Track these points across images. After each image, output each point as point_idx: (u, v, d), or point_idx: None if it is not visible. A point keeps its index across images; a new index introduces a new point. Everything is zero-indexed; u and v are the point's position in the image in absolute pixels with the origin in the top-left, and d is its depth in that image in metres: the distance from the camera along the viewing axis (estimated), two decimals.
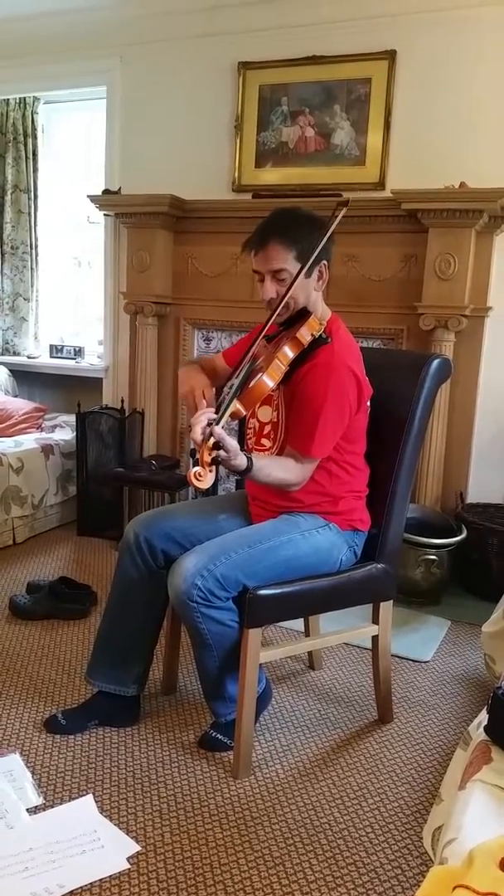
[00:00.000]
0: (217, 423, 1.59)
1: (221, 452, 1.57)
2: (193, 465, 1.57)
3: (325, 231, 1.78)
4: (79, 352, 4.24)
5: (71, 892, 1.44)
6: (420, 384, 1.94)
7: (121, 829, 1.62)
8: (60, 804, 1.69)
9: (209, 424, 1.60)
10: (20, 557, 3.27)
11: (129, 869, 1.51)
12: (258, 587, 1.76)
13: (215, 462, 1.56)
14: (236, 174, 3.54)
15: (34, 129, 4.17)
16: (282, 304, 1.77)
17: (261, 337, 1.79)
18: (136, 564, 1.92)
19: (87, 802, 1.70)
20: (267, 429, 1.94)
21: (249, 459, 1.67)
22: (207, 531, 1.92)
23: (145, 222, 3.54)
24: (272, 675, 2.31)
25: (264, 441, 1.94)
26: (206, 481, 1.55)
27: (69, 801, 1.70)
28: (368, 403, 1.92)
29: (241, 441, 2.00)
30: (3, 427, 3.71)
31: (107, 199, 3.65)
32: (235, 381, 1.72)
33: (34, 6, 3.70)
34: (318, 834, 1.64)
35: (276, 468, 1.78)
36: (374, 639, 2.04)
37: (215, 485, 3.81)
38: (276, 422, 1.91)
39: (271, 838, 1.62)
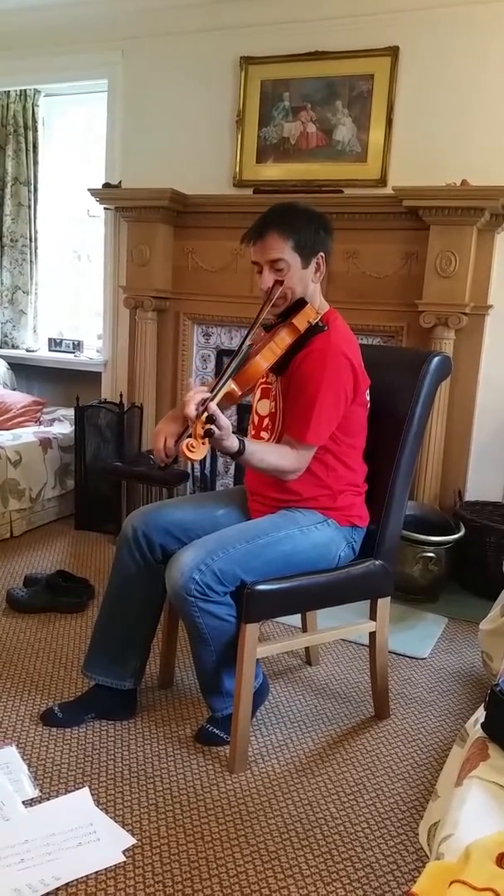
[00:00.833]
0: (211, 400, 1.61)
1: (214, 427, 1.58)
2: (186, 437, 1.58)
3: (325, 223, 1.84)
4: (78, 345, 4.24)
5: (66, 884, 1.44)
6: (420, 382, 1.94)
7: (117, 822, 1.62)
8: (56, 797, 1.69)
9: (204, 401, 1.61)
10: (18, 551, 3.27)
11: (124, 862, 1.51)
12: (256, 582, 1.76)
13: (208, 434, 1.57)
14: (237, 169, 3.53)
15: (35, 121, 4.15)
16: (276, 294, 1.80)
17: (258, 324, 1.81)
18: (133, 558, 1.92)
19: (84, 795, 1.70)
20: (266, 421, 1.94)
21: (242, 442, 1.68)
22: (205, 526, 1.92)
23: (146, 216, 3.54)
24: (269, 670, 2.32)
25: (263, 434, 1.95)
26: (198, 453, 1.56)
27: (65, 793, 1.71)
28: (368, 398, 1.92)
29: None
30: (2, 420, 3.70)
31: (107, 193, 3.64)
32: (231, 364, 1.74)
33: None
34: (314, 829, 1.65)
35: (271, 454, 1.79)
36: (372, 635, 2.04)
37: (213, 480, 3.81)
38: (274, 412, 1.92)
39: (267, 833, 1.62)
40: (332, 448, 1.88)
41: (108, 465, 3.47)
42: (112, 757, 1.85)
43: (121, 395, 3.74)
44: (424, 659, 2.48)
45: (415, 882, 0.99)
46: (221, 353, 3.70)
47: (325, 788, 1.79)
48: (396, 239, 3.17)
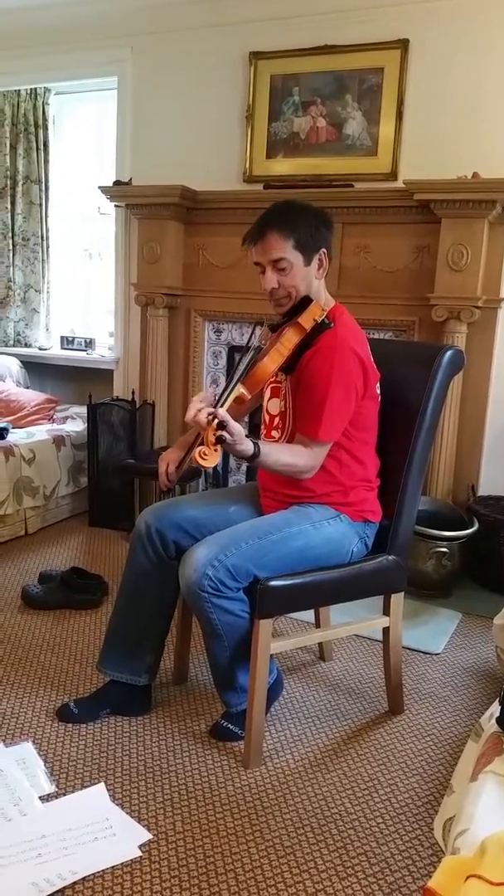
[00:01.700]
0: (221, 406, 1.60)
1: (225, 434, 1.57)
2: (198, 445, 1.58)
3: (324, 219, 1.84)
4: (90, 343, 4.25)
5: (83, 878, 1.45)
6: (432, 376, 1.93)
7: (132, 817, 1.63)
8: (72, 792, 1.71)
9: (213, 406, 1.60)
10: (32, 548, 3.29)
11: (140, 857, 1.52)
12: (269, 578, 1.76)
13: (220, 441, 1.57)
14: (247, 165, 3.53)
15: (45, 120, 4.17)
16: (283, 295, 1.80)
17: (264, 325, 1.81)
18: (147, 555, 1.93)
19: (99, 790, 1.71)
20: (276, 420, 1.94)
21: (256, 445, 1.67)
22: (218, 522, 1.92)
23: (156, 213, 3.54)
24: (283, 665, 2.32)
25: (273, 433, 1.95)
26: (211, 460, 1.56)
27: (81, 789, 1.72)
28: (378, 391, 1.92)
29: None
30: (16, 418, 3.72)
31: (118, 191, 3.64)
32: (239, 368, 1.73)
33: None
34: (329, 824, 1.65)
35: (286, 454, 1.78)
36: (385, 630, 2.03)
37: (225, 476, 3.81)
38: (284, 411, 1.92)
39: (282, 828, 1.63)
40: (344, 444, 1.87)
41: (121, 462, 3.48)
42: (127, 752, 1.86)
43: (133, 393, 3.75)
44: (438, 654, 2.47)
45: (431, 877, 0.99)
46: (233, 350, 3.70)
47: (340, 783, 1.79)
48: (407, 233, 3.16)
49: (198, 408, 1.60)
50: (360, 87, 3.28)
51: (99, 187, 3.67)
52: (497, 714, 1.40)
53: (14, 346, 4.43)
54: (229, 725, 1.93)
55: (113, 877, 1.47)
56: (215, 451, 1.57)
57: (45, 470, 3.47)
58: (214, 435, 1.56)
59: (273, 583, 1.76)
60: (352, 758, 1.90)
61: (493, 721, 1.41)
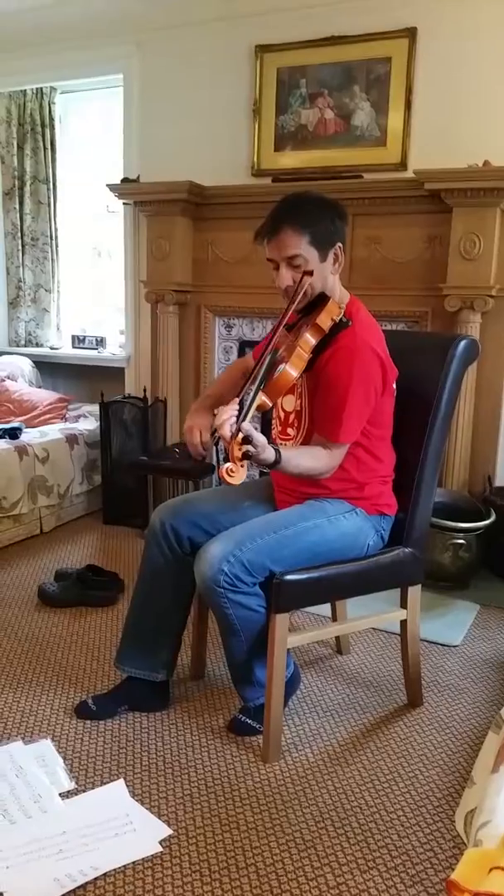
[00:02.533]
0: (244, 418, 1.57)
1: (251, 448, 1.55)
2: (224, 462, 1.55)
3: (339, 212, 1.78)
4: (101, 342, 4.26)
5: (104, 874, 1.45)
6: (447, 366, 1.91)
7: (152, 812, 1.63)
8: (92, 788, 1.71)
9: (237, 420, 1.57)
10: (48, 546, 3.30)
11: (161, 852, 1.52)
12: (285, 572, 1.76)
13: (246, 457, 1.54)
14: (255, 159, 3.51)
15: (52, 119, 4.17)
16: (301, 293, 1.75)
17: (281, 327, 1.77)
18: (162, 552, 1.93)
19: (119, 787, 1.71)
20: (291, 418, 1.92)
21: (277, 452, 1.65)
22: (233, 518, 1.92)
23: (164, 210, 3.53)
24: (300, 659, 2.31)
25: (289, 430, 1.93)
26: (238, 477, 1.53)
27: (101, 785, 1.72)
28: (394, 386, 1.90)
29: (266, 432, 2.00)
30: (29, 418, 3.74)
31: (126, 188, 3.64)
32: (259, 374, 1.70)
33: None
34: (350, 817, 1.64)
35: (306, 458, 1.77)
36: (403, 623, 2.02)
37: None
38: (300, 410, 1.89)
39: (302, 821, 1.62)
40: (362, 442, 1.86)
41: (134, 459, 3.49)
42: (146, 748, 1.86)
43: (144, 390, 3.75)
44: (456, 646, 2.46)
45: (453, 869, 0.98)
46: (243, 345, 3.68)
47: (360, 777, 1.78)
48: (418, 223, 3.13)
49: (228, 415, 1.57)
50: (367, 78, 3.25)
51: (107, 185, 3.67)
52: None
53: (25, 345, 4.44)
54: (247, 720, 1.93)
55: (134, 872, 1.47)
56: (242, 466, 1.54)
57: (58, 469, 3.48)
58: (240, 450, 1.53)
59: (289, 577, 1.75)
60: (371, 751, 1.89)
61: None
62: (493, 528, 2.86)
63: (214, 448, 3.65)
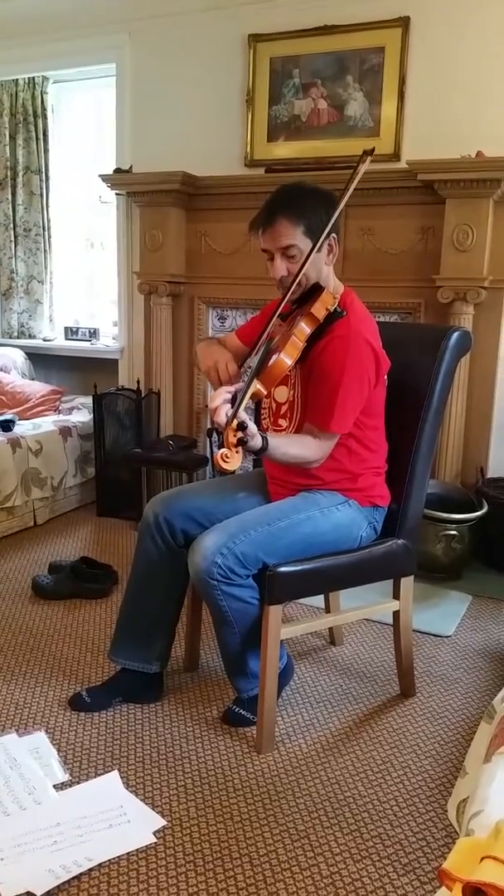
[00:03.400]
0: (240, 405, 1.58)
1: (247, 435, 1.55)
2: (219, 448, 1.55)
3: (333, 202, 1.77)
4: (94, 333, 4.24)
5: (99, 865, 1.46)
6: (439, 358, 1.91)
7: (146, 803, 1.64)
8: (86, 780, 1.71)
9: (232, 406, 1.58)
10: (41, 538, 3.30)
11: (155, 843, 1.53)
12: (278, 564, 1.76)
13: (241, 443, 1.55)
14: (248, 149, 3.50)
15: (44, 109, 4.13)
16: (294, 282, 1.75)
17: (275, 316, 1.77)
18: (156, 544, 1.93)
19: (113, 778, 1.72)
20: (284, 409, 1.92)
21: (265, 439, 1.66)
22: (226, 510, 1.92)
23: (157, 200, 3.51)
24: (293, 650, 2.32)
25: (281, 421, 1.93)
26: (234, 462, 1.53)
27: (95, 777, 1.73)
28: (386, 377, 1.90)
29: (257, 423, 2.00)
30: (22, 410, 3.72)
31: (118, 178, 3.62)
32: (253, 362, 1.71)
33: None
34: (343, 807, 1.65)
35: (293, 445, 1.77)
36: (396, 614, 2.03)
37: None
38: (293, 401, 1.89)
39: (296, 812, 1.63)
40: (354, 432, 1.86)
41: (128, 451, 3.48)
42: (140, 740, 1.87)
43: (138, 382, 3.74)
44: (449, 637, 2.47)
45: (445, 858, 0.99)
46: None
47: (353, 767, 1.79)
48: (412, 214, 3.13)
49: (223, 399, 1.59)
50: (360, 68, 3.24)
51: (99, 175, 3.65)
52: None
53: (18, 337, 4.42)
54: (241, 711, 1.94)
55: (128, 863, 1.47)
56: (237, 452, 1.54)
57: (52, 461, 3.48)
58: (235, 437, 1.54)
59: (282, 569, 1.76)
60: (364, 741, 1.90)
61: None
62: (486, 519, 2.87)
63: (208, 441, 3.66)
